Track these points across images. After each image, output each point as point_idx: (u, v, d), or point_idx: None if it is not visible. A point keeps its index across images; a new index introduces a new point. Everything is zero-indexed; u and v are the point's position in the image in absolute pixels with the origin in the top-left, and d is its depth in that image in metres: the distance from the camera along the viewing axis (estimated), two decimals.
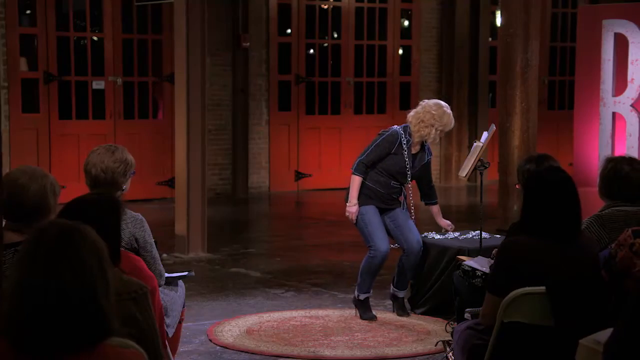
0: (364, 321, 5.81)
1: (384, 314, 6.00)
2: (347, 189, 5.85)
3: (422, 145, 5.84)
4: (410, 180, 5.87)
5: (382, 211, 5.84)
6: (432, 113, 5.73)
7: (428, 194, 6.01)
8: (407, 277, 5.89)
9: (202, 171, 7.91)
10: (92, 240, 2.12)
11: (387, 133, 5.78)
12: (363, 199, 5.79)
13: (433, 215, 6.09)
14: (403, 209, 5.89)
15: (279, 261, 7.84)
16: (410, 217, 5.93)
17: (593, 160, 7.24)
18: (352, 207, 5.76)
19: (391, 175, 5.78)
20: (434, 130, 5.72)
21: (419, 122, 5.74)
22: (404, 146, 5.72)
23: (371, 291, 5.89)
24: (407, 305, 6.02)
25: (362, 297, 5.86)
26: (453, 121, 5.82)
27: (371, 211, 5.76)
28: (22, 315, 2.02)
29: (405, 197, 5.92)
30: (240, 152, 11.71)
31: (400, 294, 5.95)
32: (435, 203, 6.04)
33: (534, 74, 8.54)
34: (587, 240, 3.62)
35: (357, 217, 5.76)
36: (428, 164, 5.94)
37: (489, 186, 11.01)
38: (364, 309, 5.87)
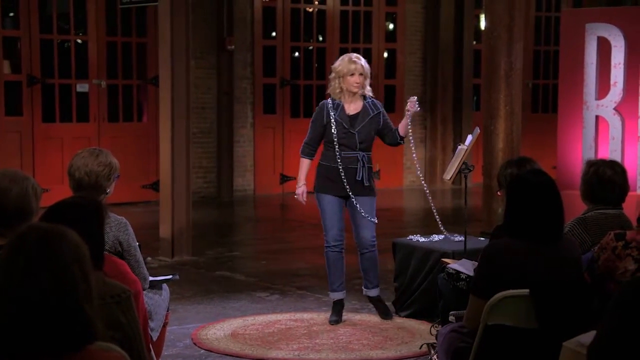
0: (349, 324, 5.81)
1: (369, 316, 6.01)
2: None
3: (364, 104, 5.68)
4: (362, 143, 5.60)
5: (348, 197, 5.65)
6: (332, 67, 5.78)
7: (393, 136, 5.74)
8: (370, 275, 5.82)
9: (186, 174, 7.89)
10: (72, 245, 2.10)
11: (317, 107, 5.81)
12: (322, 183, 5.69)
13: (403, 124, 5.72)
14: (372, 195, 5.67)
15: (264, 264, 7.83)
16: (372, 216, 5.70)
17: (576, 163, 7.28)
18: (298, 189, 5.79)
19: (337, 144, 5.62)
20: (336, 82, 5.68)
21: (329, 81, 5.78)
22: (332, 112, 5.64)
23: (341, 292, 5.78)
24: (392, 308, 6.02)
25: (330, 295, 5.84)
26: (348, 64, 5.62)
27: (326, 199, 5.68)
28: (3, 323, 2.00)
29: (369, 171, 5.65)
30: (225, 155, 11.69)
31: (372, 293, 5.87)
32: (393, 145, 5.79)
33: (518, 77, 8.58)
34: (570, 243, 3.64)
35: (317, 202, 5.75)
36: (380, 120, 5.67)
37: (474, 189, 11.06)
38: (331, 310, 5.82)
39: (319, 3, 12.51)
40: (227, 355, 5.19)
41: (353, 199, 5.63)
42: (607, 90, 7.33)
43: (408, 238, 6.13)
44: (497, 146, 8.50)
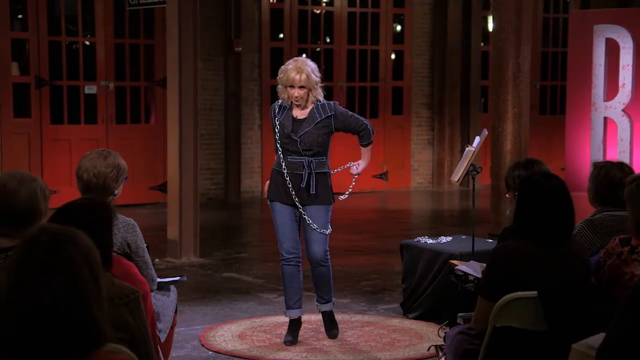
0: (356, 326, 5.79)
1: (376, 318, 6.00)
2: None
3: (312, 108, 5.24)
4: (308, 150, 5.22)
5: (301, 204, 5.27)
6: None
7: (359, 137, 5.40)
8: (322, 290, 5.42)
9: (194, 176, 7.90)
10: (83, 248, 2.09)
11: None
12: (272, 190, 5.35)
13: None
14: (324, 204, 5.28)
15: (272, 266, 7.82)
16: (324, 229, 5.30)
17: (585, 165, 7.26)
18: (266, 186, 5.51)
19: (280, 149, 5.27)
20: (281, 88, 5.25)
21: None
22: (277, 115, 5.27)
23: (297, 310, 5.40)
24: (400, 310, 6.01)
25: (285, 313, 5.45)
26: (289, 74, 5.19)
27: (276, 209, 5.32)
28: (12, 327, 2.00)
29: (318, 178, 5.24)
30: (232, 156, 11.70)
31: (324, 308, 5.47)
32: (365, 145, 5.40)
33: (526, 79, 8.57)
34: (578, 245, 3.63)
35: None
36: (331, 124, 5.24)
37: (481, 191, 11.03)
38: (287, 329, 5.45)
39: (327, 5, 12.51)
40: (234, 356, 5.19)
41: (301, 209, 5.26)
42: (615, 92, 7.30)
43: (416, 240, 6.13)
44: (504, 148, 8.49)
